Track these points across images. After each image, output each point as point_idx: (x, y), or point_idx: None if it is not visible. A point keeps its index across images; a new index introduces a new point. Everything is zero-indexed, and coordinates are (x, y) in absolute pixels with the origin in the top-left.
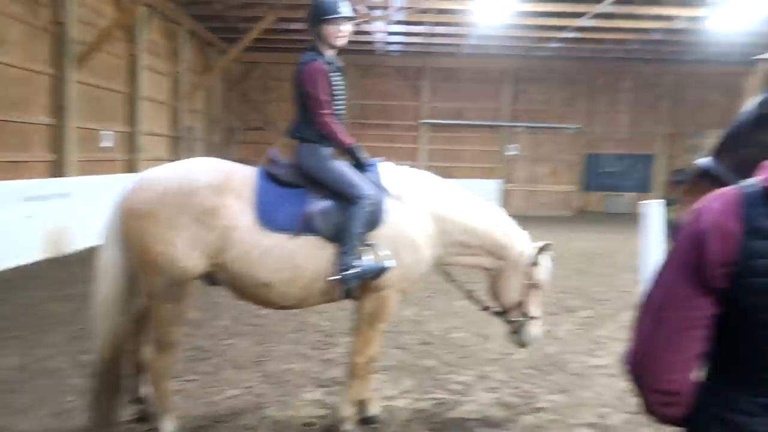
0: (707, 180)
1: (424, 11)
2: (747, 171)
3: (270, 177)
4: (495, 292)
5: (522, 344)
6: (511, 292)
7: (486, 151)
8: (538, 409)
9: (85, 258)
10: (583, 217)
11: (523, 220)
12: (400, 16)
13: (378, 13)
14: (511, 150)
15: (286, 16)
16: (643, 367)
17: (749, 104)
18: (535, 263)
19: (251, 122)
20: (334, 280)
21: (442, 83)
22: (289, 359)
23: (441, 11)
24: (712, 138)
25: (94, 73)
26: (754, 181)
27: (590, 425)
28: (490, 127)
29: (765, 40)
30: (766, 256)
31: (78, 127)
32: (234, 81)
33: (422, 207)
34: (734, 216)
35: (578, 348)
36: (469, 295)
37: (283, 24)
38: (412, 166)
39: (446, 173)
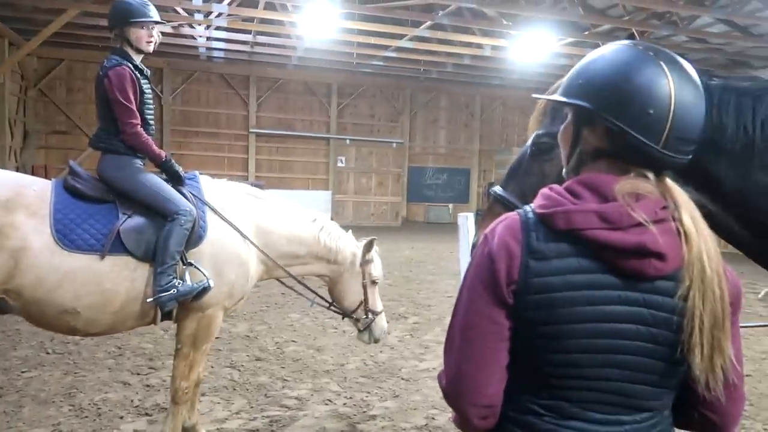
0: (500, 205)
1: (248, 20)
2: (530, 198)
3: (70, 191)
4: (337, 296)
5: (374, 340)
6: (352, 294)
7: (316, 162)
8: (373, 417)
9: None
10: (408, 226)
11: (354, 230)
12: (223, 23)
13: (198, 17)
14: (340, 162)
15: (93, 11)
16: (459, 386)
17: (529, 139)
18: (367, 261)
19: (54, 125)
20: (149, 302)
21: (270, 93)
22: (105, 388)
23: (264, 21)
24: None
25: None
26: (530, 207)
27: (420, 428)
28: (319, 138)
29: (554, 70)
30: (540, 275)
31: None
32: (32, 78)
33: (245, 220)
34: (515, 239)
35: (408, 353)
36: (315, 298)
37: (89, 19)
38: (241, 177)
39: (277, 184)
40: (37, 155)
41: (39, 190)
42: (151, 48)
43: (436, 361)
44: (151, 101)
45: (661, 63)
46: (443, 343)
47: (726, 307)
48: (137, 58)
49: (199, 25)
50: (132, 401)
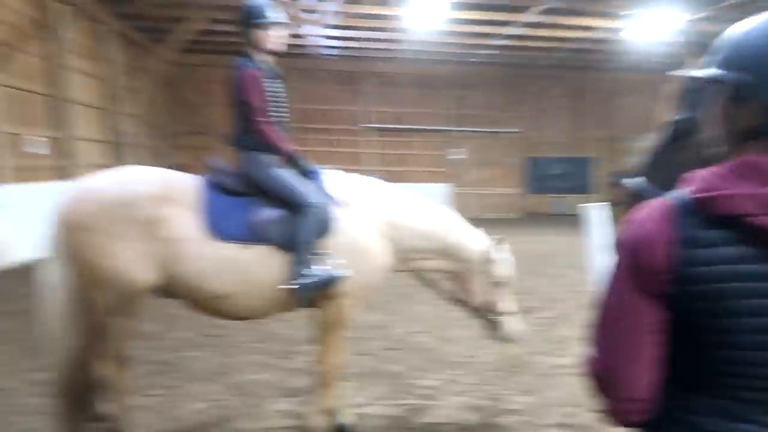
0: (637, 195)
1: (357, 16)
2: (671, 186)
3: (217, 185)
4: (465, 294)
5: (505, 341)
6: (476, 293)
7: (430, 155)
8: (508, 411)
9: (22, 272)
10: (530, 219)
11: (474, 222)
12: (335, 21)
13: (312, 16)
14: (456, 154)
15: (218, 18)
16: (608, 378)
17: (666, 123)
18: (494, 260)
19: (190, 126)
20: (286, 289)
21: (381, 88)
22: (253, 369)
23: (372, 16)
24: (643, 141)
25: (13, 75)
26: (683, 193)
27: (560, 425)
28: (434, 131)
29: (678, 49)
30: (702, 264)
31: (1, 132)
32: (170, 84)
33: (372, 214)
34: (667, 226)
35: (540, 348)
36: (447, 295)
37: (216, 25)
38: (356, 172)
39: (393, 178)
40: (176, 154)
41: (190, 184)
42: (276, 48)
43: (571, 358)
44: (281, 99)
45: None
46: (586, 335)
47: None
48: (263, 58)
49: (312, 24)
50: (277, 383)
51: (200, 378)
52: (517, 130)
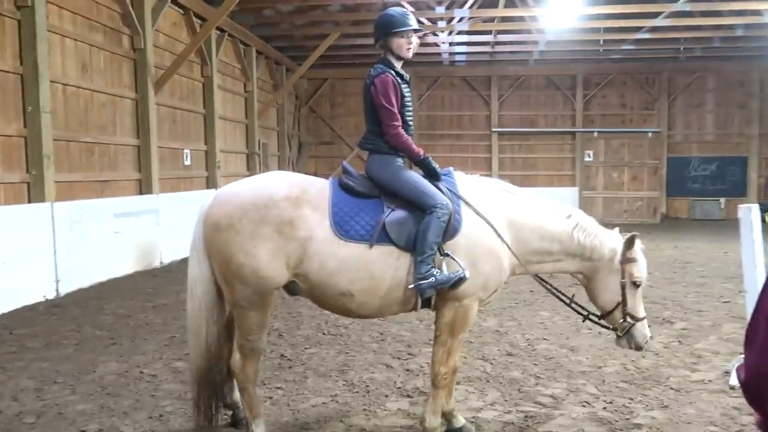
0: None
1: (489, 20)
2: None
3: (344, 188)
4: (592, 295)
5: (635, 347)
6: (608, 293)
7: (561, 158)
8: (637, 426)
9: (173, 270)
10: (669, 224)
11: (608, 227)
12: (464, 27)
13: (442, 24)
14: (587, 156)
15: (350, 32)
16: (761, 382)
17: None
18: (628, 259)
19: (321, 137)
20: (410, 289)
21: (511, 91)
22: (371, 368)
23: (505, 19)
24: None
25: (173, 95)
26: None
27: None
28: (564, 133)
29: None
30: None
31: (160, 147)
32: (303, 97)
33: (498, 215)
34: None
35: (676, 362)
36: (569, 303)
37: (347, 40)
38: (485, 176)
39: (521, 182)
40: (308, 163)
41: (320, 187)
42: (410, 54)
43: (712, 373)
44: (410, 104)
45: None
46: (719, 352)
47: None
48: (398, 65)
49: (442, 32)
50: (395, 382)
51: (321, 374)
52: (656, 129)
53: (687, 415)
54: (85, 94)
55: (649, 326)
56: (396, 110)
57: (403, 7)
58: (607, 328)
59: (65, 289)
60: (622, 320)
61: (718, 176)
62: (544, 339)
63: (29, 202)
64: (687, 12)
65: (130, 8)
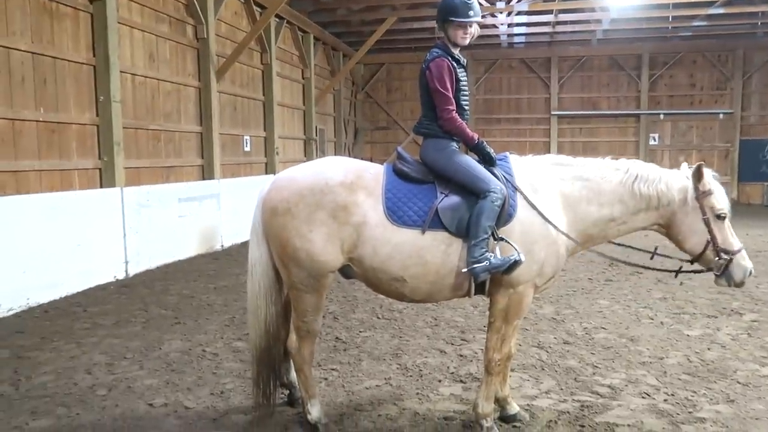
0: None
1: (550, 0)
2: None
3: (398, 173)
4: (678, 242)
5: (734, 284)
6: (694, 234)
7: (624, 141)
8: (701, 420)
9: (233, 253)
10: (742, 210)
11: None
12: (524, 7)
13: (501, 5)
14: (653, 140)
15: (407, 16)
16: None
17: None
18: (704, 192)
19: (377, 122)
20: (464, 273)
21: (572, 73)
22: (425, 353)
23: None
24: None
25: (234, 83)
26: None
27: None
28: (628, 116)
29: None
30: None
31: (221, 134)
32: (359, 83)
33: (553, 198)
34: None
35: (744, 355)
36: (653, 255)
37: (404, 24)
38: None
39: None
40: (364, 149)
41: (374, 173)
42: (466, 42)
43: None
44: (466, 89)
45: None
46: None
47: None
48: (455, 50)
49: (501, 13)
50: (448, 368)
51: (375, 357)
52: (728, 111)
53: (755, 410)
54: (152, 83)
55: (749, 268)
56: (451, 94)
57: None
58: (702, 271)
59: (133, 270)
60: (717, 258)
61: None
62: (603, 328)
63: (101, 186)
64: None
65: None
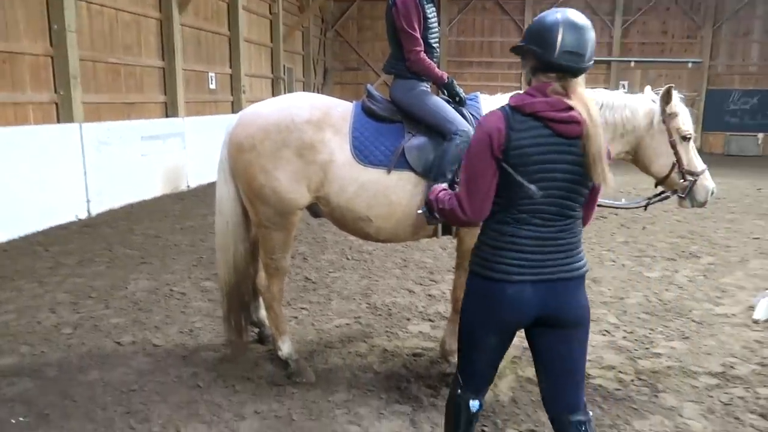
0: None
1: None
2: None
3: (366, 112)
4: (644, 165)
5: (697, 204)
6: (659, 156)
7: (594, 87)
8: (656, 355)
9: (200, 193)
10: (703, 159)
11: None
12: None
13: None
14: (623, 87)
15: None
16: (471, 207)
17: None
18: (671, 114)
19: (347, 62)
20: (420, 213)
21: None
22: (393, 293)
23: None
24: None
25: (197, 16)
26: (506, 104)
27: (715, 374)
28: (598, 62)
29: None
30: (518, 139)
31: (185, 69)
32: (329, 21)
33: None
34: (502, 122)
35: (700, 295)
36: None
37: None
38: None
39: None
40: (334, 90)
41: (342, 111)
42: None
43: (736, 307)
44: (435, 26)
45: (557, 12)
46: (745, 287)
47: (601, 148)
48: None
49: None
50: (416, 307)
51: (344, 297)
52: (697, 60)
53: (707, 346)
54: (109, 13)
55: (711, 186)
56: (418, 34)
57: None
58: (667, 197)
59: (96, 210)
60: (681, 180)
61: (759, 110)
62: None
63: (58, 122)
64: None
65: None
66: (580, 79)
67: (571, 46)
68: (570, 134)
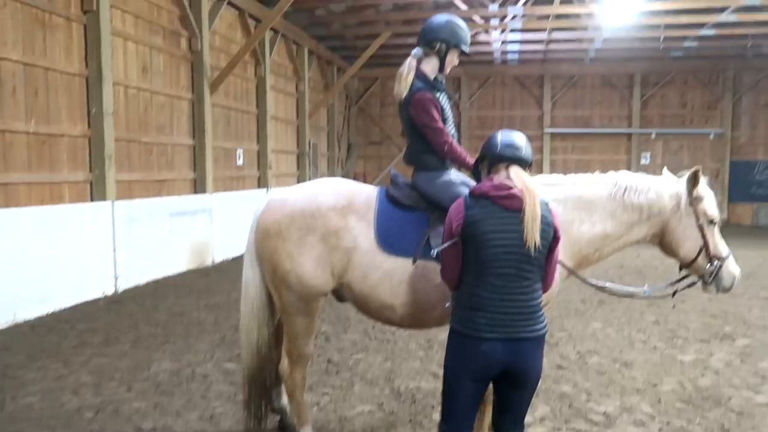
0: None
1: (543, 18)
2: None
3: (390, 199)
4: (671, 249)
5: (723, 290)
6: (688, 240)
7: (616, 159)
8: None
9: (225, 269)
10: (732, 230)
11: None
12: (517, 25)
13: (495, 22)
14: (644, 159)
15: (401, 32)
16: (445, 275)
17: None
18: (696, 198)
19: (370, 136)
20: (449, 306)
21: (565, 90)
22: (418, 377)
23: (561, 16)
24: None
25: (227, 96)
26: (467, 192)
27: None
28: (620, 134)
29: None
30: (473, 216)
31: (214, 147)
32: (353, 97)
33: None
34: (461, 206)
35: (738, 382)
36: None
37: (398, 39)
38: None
39: None
40: (357, 163)
41: (366, 197)
42: (448, 71)
43: None
44: (448, 110)
45: (498, 133)
46: None
47: (535, 217)
48: (438, 75)
49: (495, 29)
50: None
51: (367, 381)
52: (719, 130)
53: None
54: (144, 96)
55: (735, 274)
56: (441, 125)
57: (457, 7)
58: (694, 283)
59: (123, 286)
60: (709, 265)
61: None
62: (596, 352)
63: (91, 200)
64: (756, 6)
65: (188, 10)
66: (521, 170)
67: (508, 141)
68: (513, 207)
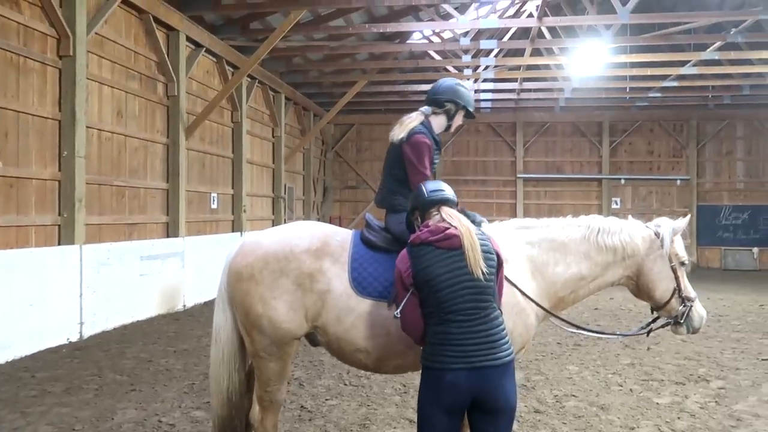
0: None
1: (515, 68)
2: None
3: (364, 242)
4: (647, 290)
5: (692, 331)
6: (663, 282)
7: (588, 204)
8: None
9: (196, 313)
10: (700, 274)
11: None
12: (490, 75)
13: (468, 72)
14: (615, 204)
15: (377, 80)
16: (408, 330)
17: None
18: (667, 240)
19: (346, 181)
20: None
21: (537, 138)
22: (394, 423)
23: (531, 67)
24: None
25: (203, 140)
26: (409, 242)
27: None
28: (590, 180)
29: None
30: (420, 264)
31: (188, 190)
32: (330, 142)
33: (521, 266)
34: (407, 254)
35: (713, 424)
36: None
37: (374, 87)
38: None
39: None
40: (333, 207)
41: (341, 240)
42: (453, 129)
43: None
44: (434, 165)
45: (421, 185)
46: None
47: (476, 248)
48: (439, 129)
49: (468, 79)
50: None
51: (341, 427)
52: (685, 176)
53: None
54: (119, 139)
55: (702, 317)
56: (428, 173)
57: (431, 57)
58: (668, 323)
59: (89, 332)
60: (681, 306)
61: (751, 225)
62: (573, 395)
63: (59, 244)
64: (715, 60)
65: (166, 57)
66: (450, 209)
67: (434, 187)
68: (453, 246)
